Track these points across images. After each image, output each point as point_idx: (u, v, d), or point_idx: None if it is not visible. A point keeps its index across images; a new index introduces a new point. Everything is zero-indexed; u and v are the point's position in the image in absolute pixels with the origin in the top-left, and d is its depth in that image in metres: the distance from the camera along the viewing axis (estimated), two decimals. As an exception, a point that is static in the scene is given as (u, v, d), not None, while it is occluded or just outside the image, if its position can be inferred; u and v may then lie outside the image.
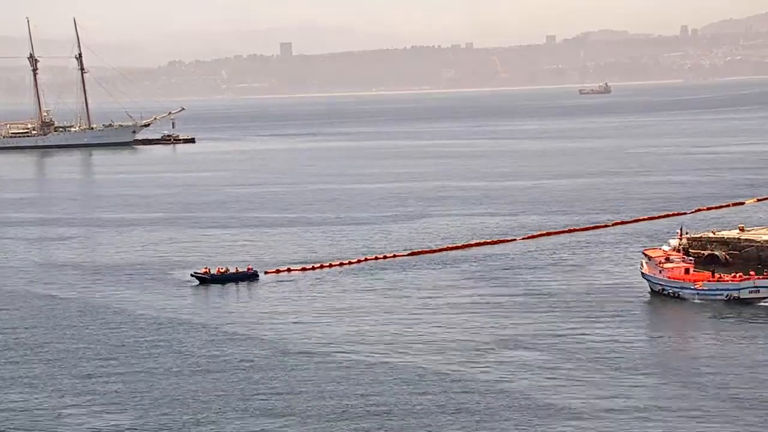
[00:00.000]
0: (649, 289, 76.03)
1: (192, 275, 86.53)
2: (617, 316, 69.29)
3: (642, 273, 77.53)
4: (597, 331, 65.46)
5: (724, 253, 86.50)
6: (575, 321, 68.09)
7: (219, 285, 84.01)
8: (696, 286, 73.05)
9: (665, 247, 78.91)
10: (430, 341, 64.15)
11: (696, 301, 72.41)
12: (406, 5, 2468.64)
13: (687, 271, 74.61)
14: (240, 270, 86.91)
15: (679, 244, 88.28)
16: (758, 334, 63.73)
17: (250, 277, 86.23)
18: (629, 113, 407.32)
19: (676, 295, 73.50)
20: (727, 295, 71.75)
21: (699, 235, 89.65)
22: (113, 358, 62.52)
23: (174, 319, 72.62)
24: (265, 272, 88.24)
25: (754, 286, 71.50)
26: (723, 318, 68.05)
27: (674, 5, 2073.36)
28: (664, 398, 51.99)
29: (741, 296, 71.23)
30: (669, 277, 74.30)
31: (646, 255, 78.66)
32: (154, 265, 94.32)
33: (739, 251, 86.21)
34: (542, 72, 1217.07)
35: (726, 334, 63.88)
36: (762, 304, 70.89)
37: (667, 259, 75.42)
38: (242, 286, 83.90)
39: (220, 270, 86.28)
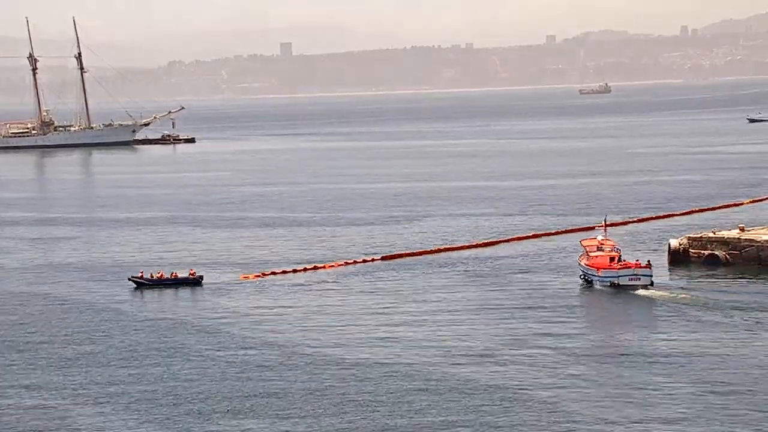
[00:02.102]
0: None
1: (129, 279, 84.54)
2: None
3: (578, 262, 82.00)
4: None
5: (724, 253, 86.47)
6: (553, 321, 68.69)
7: (158, 289, 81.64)
8: (597, 274, 78.03)
9: (600, 237, 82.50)
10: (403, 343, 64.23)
11: (598, 286, 77.68)
12: (406, 5, 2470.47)
13: (612, 259, 78.91)
14: (180, 275, 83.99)
15: (679, 245, 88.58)
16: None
17: (193, 282, 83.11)
18: (629, 113, 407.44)
19: (591, 281, 78.74)
20: (609, 282, 76.95)
21: (699, 235, 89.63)
22: (113, 359, 62.48)
23: (174, 319, 72.60)
24: (243, 276, 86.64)
25: (634, 274, 76.75)
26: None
27: (674, 5, 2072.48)
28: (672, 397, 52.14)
29: (620, 283, 76.47)
30: (587, 265, 79.46)
31: (581, 244, 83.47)
32: (153, 265, 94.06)
33: (740, 251, 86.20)
34: (542, 72, 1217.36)
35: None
36: (639, 291, 75.41)
37: (599, 248, 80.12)
38: (187, 291, 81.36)
39: (154, 274, 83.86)
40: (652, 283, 76.64)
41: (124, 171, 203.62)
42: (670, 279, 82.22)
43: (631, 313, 70.67)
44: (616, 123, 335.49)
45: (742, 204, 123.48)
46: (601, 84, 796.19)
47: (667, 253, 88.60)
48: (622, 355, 60.01)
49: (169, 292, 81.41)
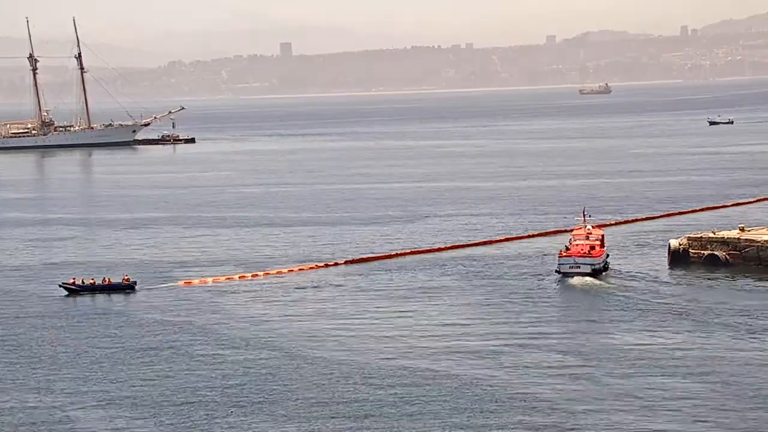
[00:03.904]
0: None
1: (60, 286, 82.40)
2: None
3: None
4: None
5: (724, 253, 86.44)
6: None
7: (90, 296, 80.00)
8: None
9: (589, 227, 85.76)
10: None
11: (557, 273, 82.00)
12: (406, 5, 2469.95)
13: (592, 248, 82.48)
14: (113, 280, 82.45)
15: (679, 245, 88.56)
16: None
17: (126, 288, 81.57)
18: (629, 113, 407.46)
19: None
20: (556, 270, 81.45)
21: (699, 235, 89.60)
22: (112, 360, 62.52)
23: (173, 320, 72.60)
24: (185, 283, 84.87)
25: (575, 262, 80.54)
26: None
27: (674, 5, 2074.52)
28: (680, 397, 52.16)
29: (562, 270, 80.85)
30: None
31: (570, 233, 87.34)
32: (152, 265, 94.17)
33: (740, 251, 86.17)
34: (542, 72, 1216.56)
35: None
36: (577, 278, 79.58)
37: (586, 237, 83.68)
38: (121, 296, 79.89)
39: (86, 280, 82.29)
40: (596, 271, 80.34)
41: (124, 171, 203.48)
42: (670, 279, 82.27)
43: (629, 314, 70.45)
44: (616, 123, 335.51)
45: (726, 206, 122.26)
46: (601, 84, 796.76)
47: (667, 253, 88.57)
48: (618, 355, 59.94)
49: (101, 298, 79.67)
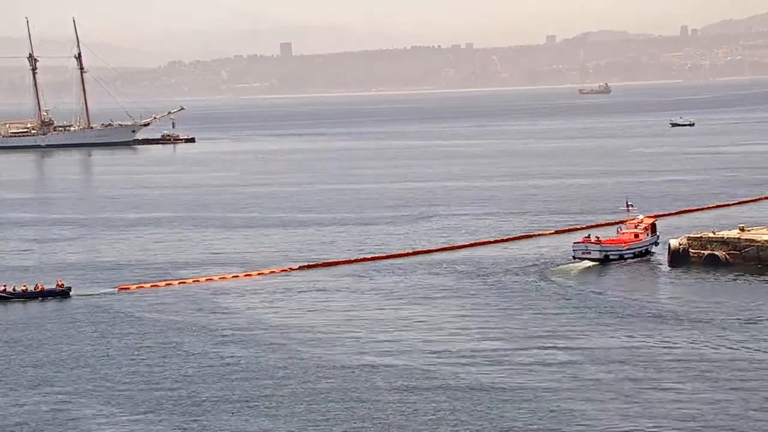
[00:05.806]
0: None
1: None
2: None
3: None
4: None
5: (724, 253, 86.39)
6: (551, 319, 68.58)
7: (22, 302, 77.11)
8: None
9: (641, 216, 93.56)
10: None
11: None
12: (407, 5, 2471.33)
13: (636, 236, 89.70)
14: (45, 287, 79.37)
15: (679, 245, 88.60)
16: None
17: (60, 294, 78.44)
18: (629, 113, 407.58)
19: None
20: (573, 256, 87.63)
21: (699, 235, 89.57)
22: (112, 360, 62.45)
23: (177, 322, 72.61)
24: (121, 288, 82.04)
25: (586, 249, 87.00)
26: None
27: (674, 5, 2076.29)
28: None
29: (575, 255, 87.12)
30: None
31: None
32: (152, 265, 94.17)
33: (740, 251, 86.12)
34: (542, 72, 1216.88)
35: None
36: (588, 263, 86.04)
37: (636, 226, 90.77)
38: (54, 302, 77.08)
39: (17, 287, 79.51)
40: (606, 258, 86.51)
41: (124, 171, 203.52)
42: (670, 279, 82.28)
43: (629, 314, 70.32)
44: (616, 123, 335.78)
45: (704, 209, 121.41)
46: (601, 84, 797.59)
47: (667, 253, 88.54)
48: (618, 356, 59.78)
49: (34, 305, 76.94)
